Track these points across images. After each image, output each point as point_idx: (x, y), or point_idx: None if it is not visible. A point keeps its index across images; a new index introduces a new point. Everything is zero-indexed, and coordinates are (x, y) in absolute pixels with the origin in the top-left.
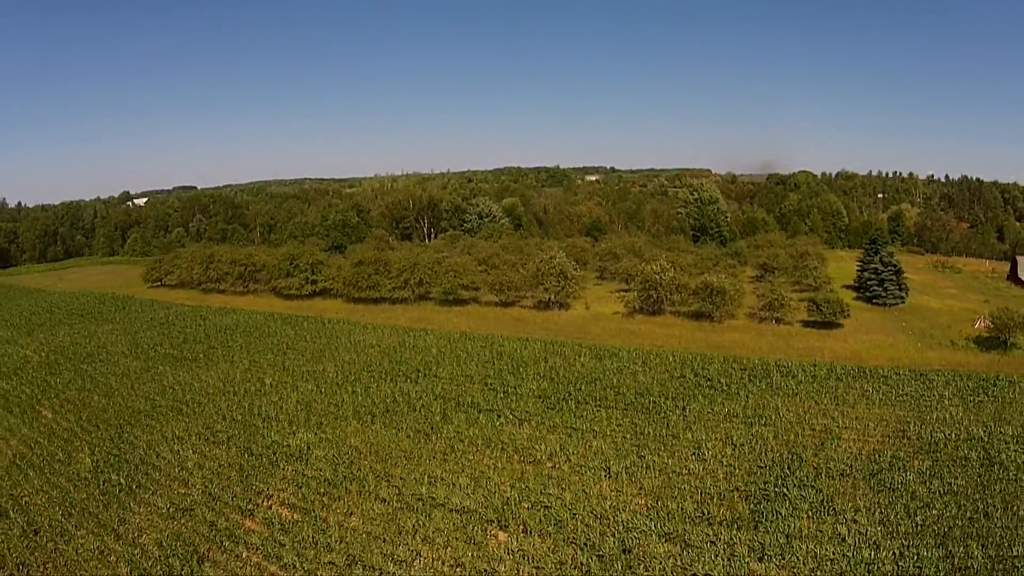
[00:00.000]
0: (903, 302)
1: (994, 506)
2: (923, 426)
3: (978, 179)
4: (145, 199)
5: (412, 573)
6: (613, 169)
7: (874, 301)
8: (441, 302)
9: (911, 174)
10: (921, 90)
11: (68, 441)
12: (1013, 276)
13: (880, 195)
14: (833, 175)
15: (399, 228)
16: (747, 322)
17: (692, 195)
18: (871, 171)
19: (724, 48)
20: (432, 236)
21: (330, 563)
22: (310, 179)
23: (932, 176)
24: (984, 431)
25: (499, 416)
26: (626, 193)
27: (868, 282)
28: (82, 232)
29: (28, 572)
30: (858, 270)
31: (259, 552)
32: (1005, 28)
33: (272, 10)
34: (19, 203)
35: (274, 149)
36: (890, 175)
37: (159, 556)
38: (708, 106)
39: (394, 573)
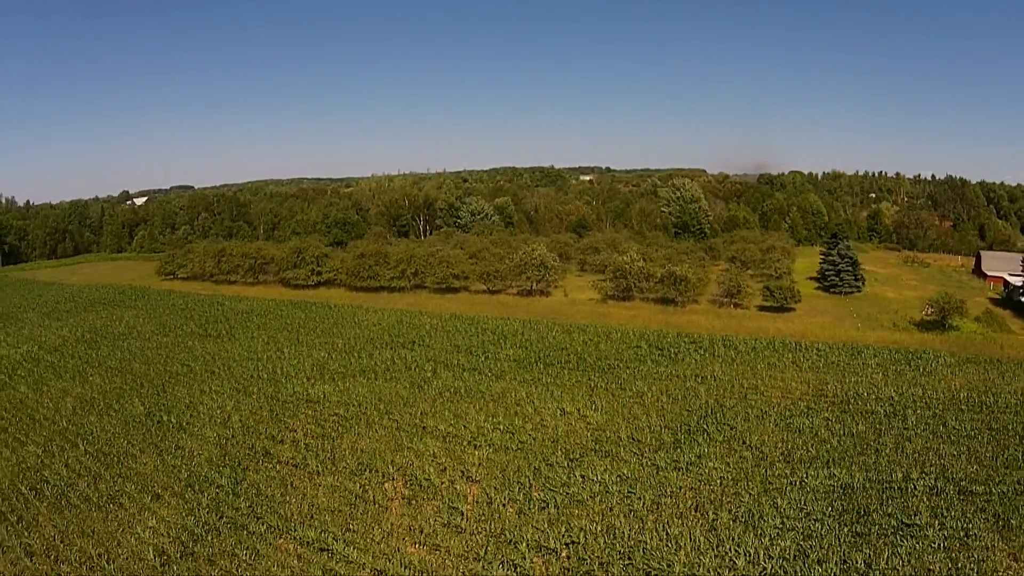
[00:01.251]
0: (859, 291)
1: (885, 444)
2: (842, 387)
3: (961, 179)
4: (145, 198)
5: (407, 473)
6: (609, 169)
7: (831, 290)
8: (435, 290)
9: (898, 174)
10: (917, 92)
11: (119, 395)
12: (977, 270)
13: (871, 195)
14: (819, 175)
15: (396, 226)
16: (708, 307)
17: (675, 194)
18: (861, 171)
19: (723, 49)
20: (427, 233)
21: (344, 468)
22: (307, 179)
23: (919, 176)
24: (896, 392)
25: (479, 373)
26: (615, 192)
27: (826, 273)
28: (89, 229)
29: (104, 483)
30: (820, 262)
31: (289, 464)
32: (1006, 29)
33: (267, 11)
34: (27, 201)
35: (271, 149)
36: (876, 175)
37: (211, 468)
38: (706, 107)
39: (393, 474)
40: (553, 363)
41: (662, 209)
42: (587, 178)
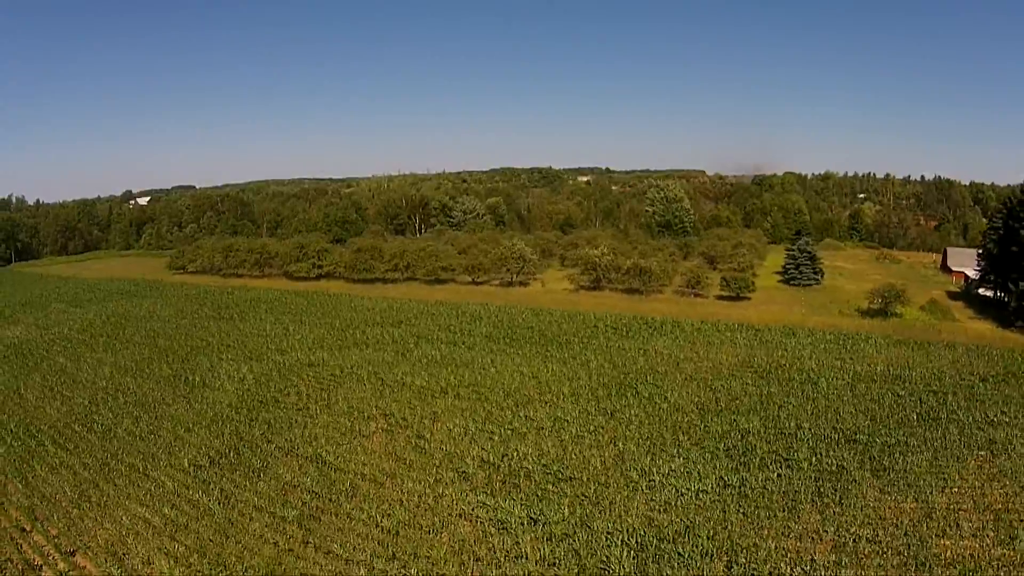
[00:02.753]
0: (817, 283)
1: (789, 402)
2: (767, 360)
3: (948, 180)
4: (147, 198)
5: (387, 414)
6: (608, 170)
7: (792, 282)
8: (425, 282)
9: (888, 175)
10: (916, 94)
11: (149, 363)
12: (944, 265)
13: (860, 195)
14: (809, 176)
15: (393, 224)
16: (672, 296)
17: (659, 195)
18: (849, 172)
19: (726, 52)
20: (422, 231)
21: (337, 410)
22: (308, 179)
23: (909, 177)
24: (817, 364)
25: (454, 346)
26: (607, 192)
27: (787, 267)
28: (97, 227)
29: (143, 422)
30: (785, 258)
31: (293, 408)
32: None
33: (269, 14)
34: (37, 200)
35: (272, 149)
36: (865, 176)
37: (231, 410)
38: (707, 109)
39: (375, 415)
40: (518, 338)
41: (646, 209)
42: (585, 179)
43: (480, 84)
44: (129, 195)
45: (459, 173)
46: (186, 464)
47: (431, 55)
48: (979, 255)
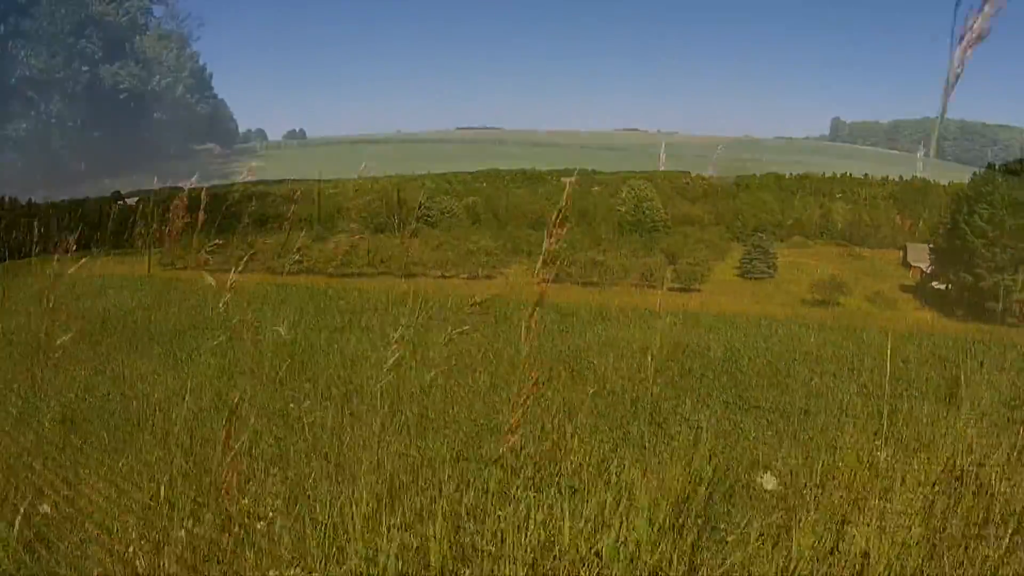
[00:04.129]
0: (771, 277)
1: (708, 376)
2: (698, 341)
3: (924, 179)
4: (136, 198)
5: (351, 379)
6: (594, 171)
7: (746, 276)
8: (397, 276)
9: (866, 175)
10: (901, 93)
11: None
12: (904, 261)
13: (838, 195)
14: (787, 176)
15: (373, 223)
16: (627, 288)
17: (630, 194)
18: (827, 173)
19: (716, 54)
20: (399, 229)
21: (308, 376)
22: (295, 179)
23: (887, 177)
24: (743, 345)
25: (410, 326)
26: (587, 192)
27: (742, 261)
28: (88, 227)
29: (134, 390)
30: (742, 253)
31: (264, 377)
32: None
33: (257, 15)
34: (29, 199)
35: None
36: (842, 176)
37: (212, 381)
38: (696, 111)
39: (336, 381)
40: (469, 321)
41: (617, 208)
42: (570, 179)
43: (473, 85)
44: (118, 196)
45: (444, 174)
46: (173, 417)
47: (422, 57)
48: (931, 249)
